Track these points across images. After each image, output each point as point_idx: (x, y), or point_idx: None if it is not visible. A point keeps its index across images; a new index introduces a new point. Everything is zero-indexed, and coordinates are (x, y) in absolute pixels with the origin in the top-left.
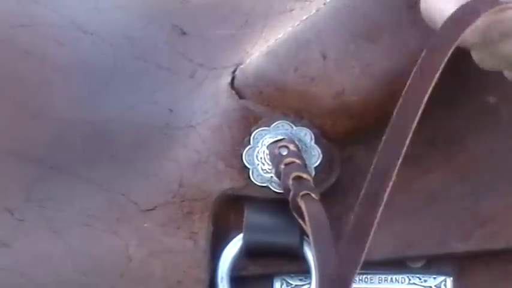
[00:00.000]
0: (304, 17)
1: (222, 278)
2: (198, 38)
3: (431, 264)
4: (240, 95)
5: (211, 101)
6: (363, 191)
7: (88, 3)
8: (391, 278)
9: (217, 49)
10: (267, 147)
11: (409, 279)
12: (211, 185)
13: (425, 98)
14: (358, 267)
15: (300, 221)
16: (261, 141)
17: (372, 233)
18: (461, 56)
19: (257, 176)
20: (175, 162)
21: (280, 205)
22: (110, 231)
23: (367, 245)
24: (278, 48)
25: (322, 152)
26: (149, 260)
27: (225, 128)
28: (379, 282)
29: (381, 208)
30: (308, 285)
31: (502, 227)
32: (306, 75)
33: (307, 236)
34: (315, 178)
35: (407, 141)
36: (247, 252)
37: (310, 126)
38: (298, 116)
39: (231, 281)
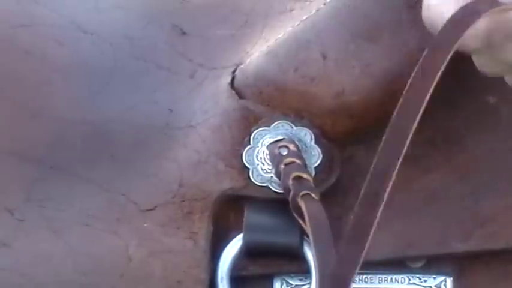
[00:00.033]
0: (304, 17)
1: (222, 278)
2: (198, 38)
3: (431, 264)
4: (240, 95)
5: (211, 101)
6: (362, 191)
7: (88, 3)
8: (391, 278)
9: (217, 49)
10: (267, 147)
11: (409, 279)
12: (211, 185)
13: (427, 98)
14: (358, 267)
15: (300, 221)
16: (261, 141)
17: (371, 233)
18: (461, 56)
19: (257, 176)
20: (175, 162)
21: (280, 205)
22: (110, 231)
23: (367, 245)
24: (278, 48)
25: (322, 152)
26: (149, 260)
27: (225, 128)
28: (379, 282)
29: (381, 208)
30: (308, 285)
31: (502, 227)
32: (306, 75)
33: (307, 236)
34: (315, 178)
35: (408, 142)
36: (247, 252)
37: (310, 126)
38: (298, 116)
39: (231, 281)
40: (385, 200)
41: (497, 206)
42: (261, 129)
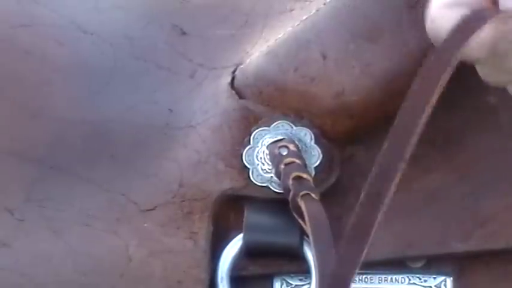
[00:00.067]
0: (304, 17)
1: (222, 278)
2: (198, 38)
3: (431, 264)
4: (240, 95)
5: (211, 101)
6: (364, 191)
7: (88, 3)
8: (391, 278)
9: (217, 49)
10: (267, 147)
11: (409, 279)
12: (211, 185)
13: (432, 101)
14: (358, 267)
15: (300, 221)
16: (261, 141)
17: (372, 234)
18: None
19: (257, 176)
20: (175, 162)
21: (280, 205)
22: (110, 231)
23: (367, 245)
24: (278, 48)
25: (322, 152)
26: (149, 260)
27: (225, 128)
28: (379, 282)
29: (383, 209)
30: (308, 285)
31: (502, 226)
32: (306, 75)
33: (307, 236)
34: (315, 178)
35: (413, 143)
36: (247, 252)
37: (310, 126)
38: (298, 116)
39: (231, 281)
40: (387, 201)
41: (497, 206)
42: (261, 129)
